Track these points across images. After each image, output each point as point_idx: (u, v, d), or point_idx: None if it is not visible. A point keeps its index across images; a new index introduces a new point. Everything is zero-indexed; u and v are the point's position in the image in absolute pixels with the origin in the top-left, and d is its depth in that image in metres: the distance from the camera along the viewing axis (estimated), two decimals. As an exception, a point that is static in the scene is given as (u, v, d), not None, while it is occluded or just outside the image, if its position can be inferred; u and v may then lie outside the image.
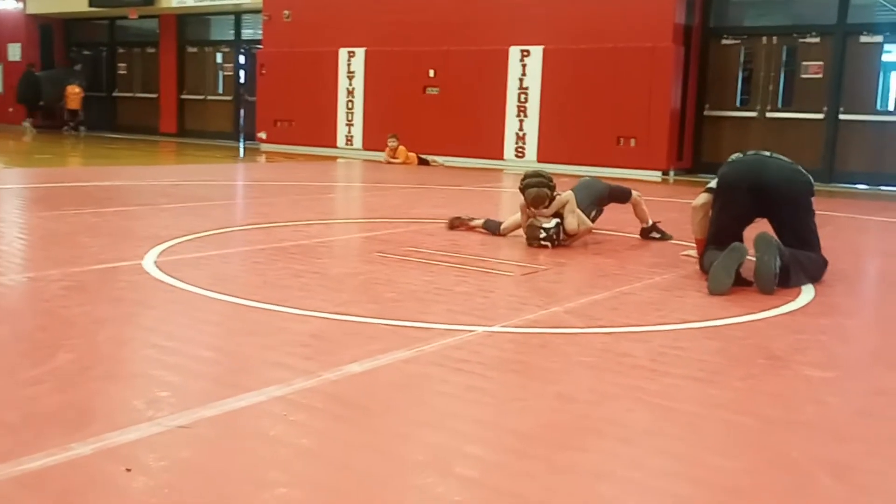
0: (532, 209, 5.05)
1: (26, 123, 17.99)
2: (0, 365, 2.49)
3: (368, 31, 13.82)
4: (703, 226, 4.31)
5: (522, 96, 12.46)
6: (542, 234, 4.92)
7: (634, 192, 5.52)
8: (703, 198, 4.33)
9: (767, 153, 4.34)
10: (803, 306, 3.64)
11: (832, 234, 5.58)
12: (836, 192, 10.18)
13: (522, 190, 5.07)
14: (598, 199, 5.38)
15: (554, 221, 4.94)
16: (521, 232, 5.18)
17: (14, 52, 19.46)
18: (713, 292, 3.76)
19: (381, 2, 13.66)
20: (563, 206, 5.02)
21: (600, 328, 3.14)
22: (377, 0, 13.70)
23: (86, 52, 20.31)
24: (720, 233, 4.15)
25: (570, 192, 5.16)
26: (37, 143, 15.30)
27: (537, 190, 4.99)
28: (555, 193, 5.07)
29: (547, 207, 5.02)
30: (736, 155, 4.39)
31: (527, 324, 3.15)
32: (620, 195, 5.53)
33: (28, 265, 4.07)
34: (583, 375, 2.58)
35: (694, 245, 4.53)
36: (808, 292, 3.89)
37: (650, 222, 5.51)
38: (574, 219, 4.97)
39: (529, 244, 4.97)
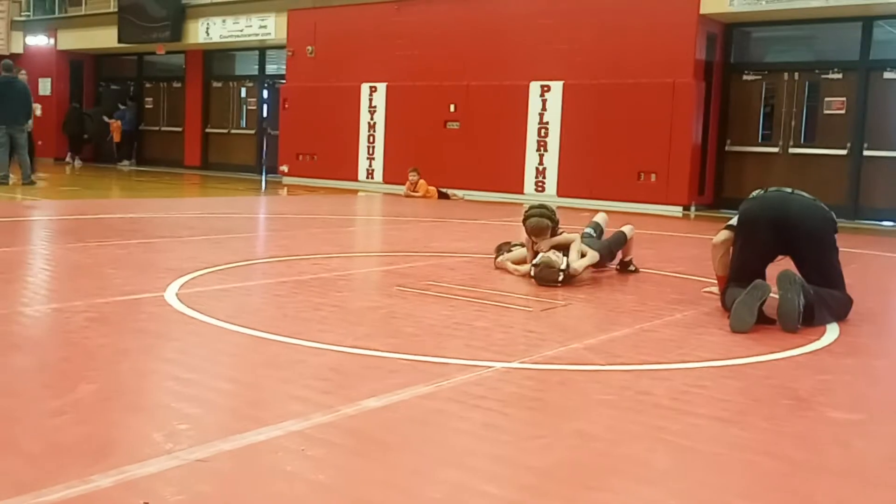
0: (532, 238, 5.03)
1: (76, 162, 18.30)
2: (24, 395, 2.51)
3: (390, 66, 14.00)
4: (724, 263, 4.28)
5: (543, 131, 12.52)
6: (560, 277, 4.75)
7: (626, 228, 5.37)
8: (723, 235, 4.31)
9: (789, 189, 4.31)
10: (827, 345, 3.59)
11: (857, 271, 5.52)
12: (860, 228, 10.08)
13: (524, 221, 5.08)
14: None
15: (565, 261, 4.78)
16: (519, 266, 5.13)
17: (45, 86, 19.89)
18: (735, 330, 3.72)
19: (403, 37, 13.84)
20: (567, 245, 4.93)
21: (620, 366, 3.11)
22: (399, 36, 13.89)
23: (114, 87, 20.72)
24: (742, 270, 4.12)
25: (577, 235, 5.10)
26: (67, 175, 15.55)
27: (538, 220, 5.00)
28: (558, 229, 5.04)
29: (547, 239, 4.99)
30: (757, 191, 4.38)
31: (546, 360, 3.13)
32: (617, 245, 5.38)
33: (53, 296, 4.12)
34: (602, 414, 2.55)
35: (715, 282, 4.50)
36: (832, 331, 3.84)
37: (629, 258, 5.43)
38: (578, 257, 4.89)
39: (540, 284, 4.79)
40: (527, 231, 5.08)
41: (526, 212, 5.14)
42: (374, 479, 1.96)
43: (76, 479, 1.84)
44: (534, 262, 4.89)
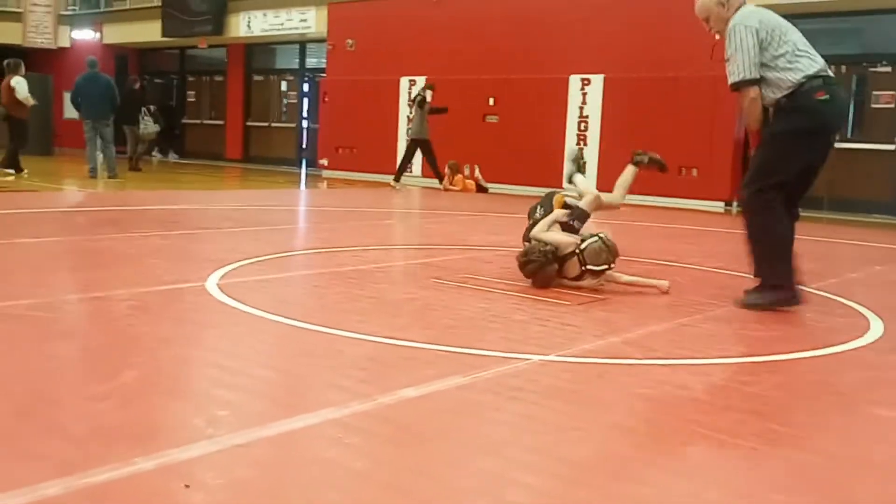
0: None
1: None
2: (69, 380, 2.58)
3: (429, 60, 14.00)
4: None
5: (582, 125, 12.43)
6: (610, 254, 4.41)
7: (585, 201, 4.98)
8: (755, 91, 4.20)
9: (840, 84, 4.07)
10: (872, 342, 3.52)
11: (903, 268, 5.40)
12: (907, 225, 9.84)
13: (530, 273, 4.51)
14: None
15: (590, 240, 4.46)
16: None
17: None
18: None
19: (442, 31, 13.84)
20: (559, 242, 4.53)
21: (658, 360, 3.09)
22: (438, 29, 13.89)
23: (157, 81, 21.06)
24: (787, 179, 4.00)
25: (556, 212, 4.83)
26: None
27: (542, 270, 4.45)
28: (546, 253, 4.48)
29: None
30: (823, 79, 4.07)
31: (583, 353, 3.12)
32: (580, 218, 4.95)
33: (97, 285, 4.21)
34: (639, 407, 2.54)
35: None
36: (877, 328, 3.76)
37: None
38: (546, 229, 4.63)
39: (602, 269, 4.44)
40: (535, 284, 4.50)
41: (522, 265, 4.53)
42: (409, 468, 1.98)
43: (120, 461, 1.89)
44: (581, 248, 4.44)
